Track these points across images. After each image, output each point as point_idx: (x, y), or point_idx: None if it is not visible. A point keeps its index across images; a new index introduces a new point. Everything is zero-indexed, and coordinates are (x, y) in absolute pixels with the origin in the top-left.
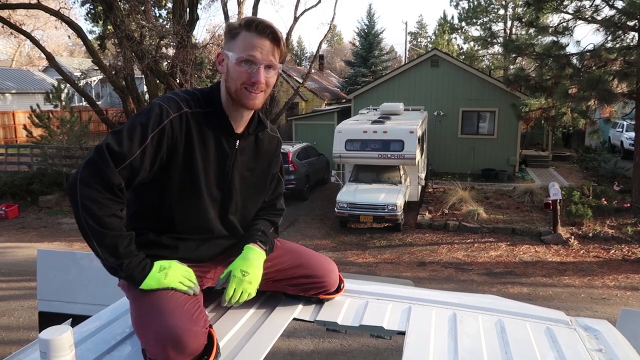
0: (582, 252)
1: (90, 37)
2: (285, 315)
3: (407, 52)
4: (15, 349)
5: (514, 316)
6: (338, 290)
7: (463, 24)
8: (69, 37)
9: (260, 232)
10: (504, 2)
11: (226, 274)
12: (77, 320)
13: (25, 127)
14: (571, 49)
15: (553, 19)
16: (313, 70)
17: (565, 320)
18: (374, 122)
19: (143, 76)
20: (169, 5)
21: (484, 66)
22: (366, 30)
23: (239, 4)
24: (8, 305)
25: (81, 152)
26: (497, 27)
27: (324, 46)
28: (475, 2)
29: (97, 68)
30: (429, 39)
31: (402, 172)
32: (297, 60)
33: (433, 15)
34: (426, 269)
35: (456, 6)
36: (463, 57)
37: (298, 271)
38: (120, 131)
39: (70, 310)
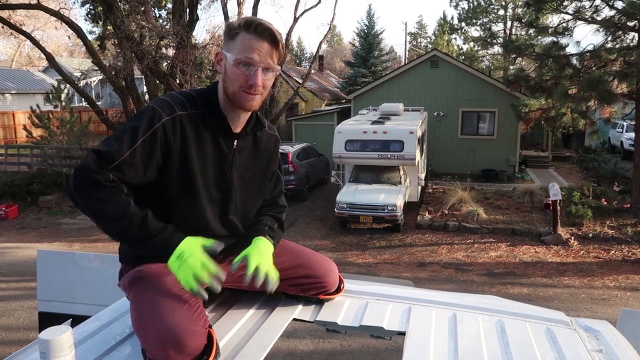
0: (582, 252)
1: (90, 37)
2: (285, 316)
3: (407, 53)
4: (15, 349)
5: (514, 317)
6: (338, 290)
7: (463, 24)
8: (69, 37)
9: (267, 226)
10: (503, 3)
11: (241, 257)
12: (77, 320)
13: (25, 128)
14: (571, 49)
15: (553, 20)
16: (313, 71)
17: (566, 321)
18: (374, 122)
19: (143, 76)
20: (169, 5)
21: (484, 67)
22: (366, 31)
23: (239, 4)
24: (8, 306)
25: (81, 153)
26: (497, 27)
27: (324, 47)
28: (475, 3)
29: (97, 68)
30: (428, 40)
31: (401, 172)
32: (297, 61)
33: (433, 16)
34: (426, 270)
35: (456, 7)
36: (463, 57)
37: (298, 271)
38: (110, 136)
39: (70, 310)
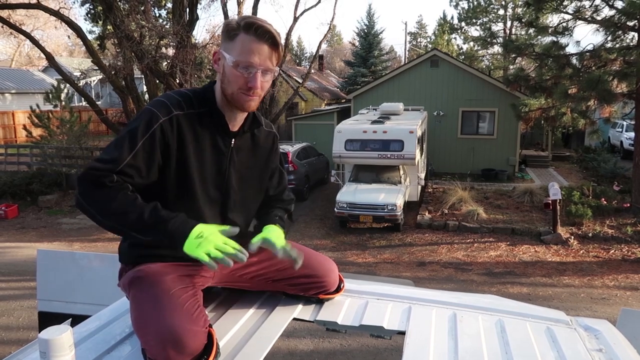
0: (581, 252)
1: (90, 37)
2: (285, 315)
3: (407, 52)
4: (15, 349)
5: (514, 316)
6: (338, 290)
7: (463, 24)
8: (68, 37)
9: (277, 217)
10: (503, 2)
11: (259, 238)
12: (76, 320)
13: (24, 127)
14: (571, 49)
15: (553, 19)
16: (313, 70)
17: (566, 320)
18: (374, 122)
19: (143, 76)
20: (169, 5)
21: (484, 66)
22: (366, 31)
23: (239, 4)
24: (8, 305)
25: (81, 152)
26: (497, 27)
27: (324, 46)
28: (475, 2)
29: (96, 68)
30: (428, 39)
31: (401, 172)
32: (297, 60)
33: (433, 16)
34: (426, 269)
35: (456, 6)
36: (463, 57)
37: (298, 271)
38: (110, 144)
39: (70, 310)
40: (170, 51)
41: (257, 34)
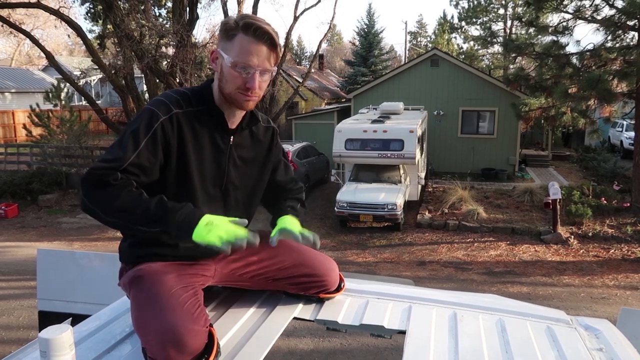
0: (581, 251)
1: (89, 36)
2: (285, 315)
3: (407, 52)
4: (15, 348)
5: (514, 315)
6: (338, 289)
7: (463, 23)
8: (68, 36)
9: (289, 207)
10: (503, 2)
11: (277, 231)
12: (77, 319)
13: (24, 127)
14: (571, 48)
15: (553, 19)
16: (313, 70)
17: (566, 320)
18: (374, 121)
19: (143, 75)
20: (169, 4)
21: (484, 66)
22: (366, 30)
23: (239, 3)
24: (8, 305)
25: (81, 152)
26: (497, 26)
27: (324, 45)
28: (475, 2)
29: (96, 67)
30: (428, 39)
31: (402, 171)
32: (297, 60)
33: (433, 15)
34: (426, 269)
35: (456, 6)
36: (463, 56)
37: (298, 270)
38: (112, 145)
39: (70, 309)
40: (170, 50)
41: (255, 34)
